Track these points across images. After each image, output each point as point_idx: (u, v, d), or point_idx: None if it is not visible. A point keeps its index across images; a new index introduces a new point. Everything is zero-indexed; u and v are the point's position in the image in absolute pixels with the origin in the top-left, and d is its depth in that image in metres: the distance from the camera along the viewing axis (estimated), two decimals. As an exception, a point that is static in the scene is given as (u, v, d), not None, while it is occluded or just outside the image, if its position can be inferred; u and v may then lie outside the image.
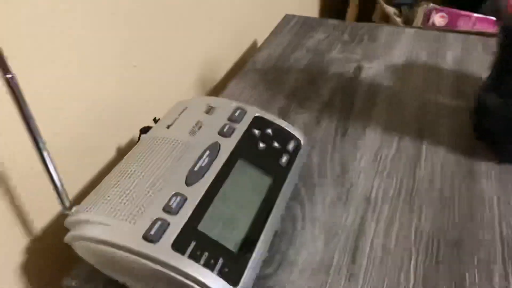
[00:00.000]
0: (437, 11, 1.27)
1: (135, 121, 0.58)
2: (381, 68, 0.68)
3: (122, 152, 0.57)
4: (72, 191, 0.50)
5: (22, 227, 0.44)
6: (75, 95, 0.48)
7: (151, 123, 0.49)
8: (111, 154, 0.55)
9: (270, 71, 0.69)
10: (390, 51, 0.72)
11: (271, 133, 0.47)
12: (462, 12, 1.25)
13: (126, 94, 0.56)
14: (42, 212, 0.47)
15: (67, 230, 0.49)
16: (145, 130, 0.50)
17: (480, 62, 0.68)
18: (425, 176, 0.49)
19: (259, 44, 0.94)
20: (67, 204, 0.38)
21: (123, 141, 0.57)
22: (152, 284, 0.35)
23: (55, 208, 0.48)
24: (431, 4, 1.29)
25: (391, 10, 1.43)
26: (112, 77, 0.53)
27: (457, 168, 0.49)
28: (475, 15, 1.24)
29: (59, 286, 0.50)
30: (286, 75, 0.68)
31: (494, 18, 1.21)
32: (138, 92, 0.59)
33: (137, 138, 0.53)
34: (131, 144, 0.59)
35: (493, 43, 0.71)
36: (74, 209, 0.38)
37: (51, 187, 0.45)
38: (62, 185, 0.38)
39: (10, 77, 0.31)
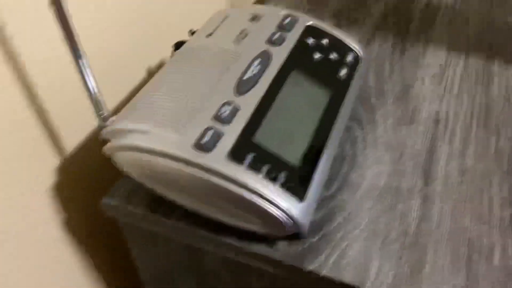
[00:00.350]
0: None
1: (165, 40, 0.53)
2: (437, -14, 0.61)
3: (152, 74, 0.52)
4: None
5: (52, 145, 0.40)
6: (98, 4, 0.42)
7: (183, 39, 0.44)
8: (140, 75, 0.50)
9: (311, -9, 0.62)
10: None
11: (327, 44, 0.41)
12: None
13: (154, 7, 0.50)
14: (73, 130, 0.43)
15: (100, 147, 0.45)
16: (179, 45, 0.45)
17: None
18: (499, 95, 0.43)
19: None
20: (104, 114, 0.34)
21: (153, 61, 0.52)
22: (204, 199, 0.31)
23: (87, 126, 0.44)
24: None
25: None
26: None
27: (537, 86, 0.43)
28: None
29: (93, 208, 0.47)
30: (330, -5, 0.61)
31: None
32: (169, 4, 0.52)
33: (170, 56, 0.48)
34: (162, 65, 0.53)
35: None
36: (111, 119, 0.34)
37: (82, 102, 0.41)
38: (99, 92, 0.33)
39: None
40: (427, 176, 0.36)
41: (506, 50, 0.48)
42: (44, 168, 0.40)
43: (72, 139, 0.43)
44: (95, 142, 0.45)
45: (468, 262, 0.30)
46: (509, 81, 0.44)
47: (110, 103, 0.46)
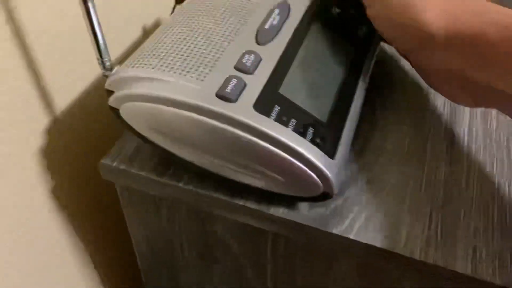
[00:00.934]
0: None
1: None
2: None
3: (148, 31, 0.48)
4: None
5: (41, 101, 0.36)
6: None
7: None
8: (136, 33, 0.46)
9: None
10: None
11: (346, -1, 0.38)
12: None
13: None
14: (64, 87, 0.38)
15: (99, 105, 0.42)
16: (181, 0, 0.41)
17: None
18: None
19: None
20: (108, 62, 0.30)
21: (149, 19, 0.48)
22: (224, 155, 0.28)
23: (81, 82, 0.40)
24: None
25: None
26: None
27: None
28: None
29: (90, 174, 0.43)
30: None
31: None
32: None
33: (170, 13, 0.44)
34: (159, 23, 0.49)
35: None
36: (116, 68, 0.30)
37: (75, 55, 0.37)
38: (103, 36, 0.29)
39: None
40: (452, 139, 0.34)
41: None
42: (33, 127, 0.36)
43: (63, 96, 0.39)
44: (89, 101, 0.41)
45: (501, 224, 0.29)
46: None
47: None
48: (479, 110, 0.37)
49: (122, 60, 0.44)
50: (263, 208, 0.30)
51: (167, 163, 0.32)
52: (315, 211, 0.30)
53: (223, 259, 0.37)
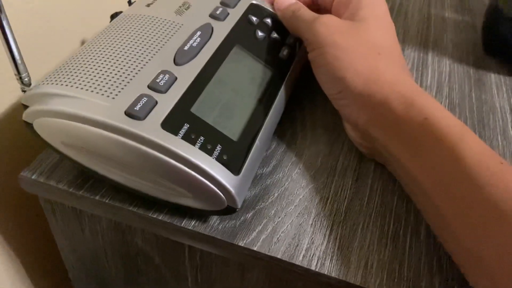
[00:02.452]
0: None
1: (101, 10, 0.50)
2: (379, -19, 0.62)
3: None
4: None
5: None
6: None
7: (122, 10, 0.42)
8: (72, 45, 0.47)
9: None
10: (387, -35, 0.67)
11: (269, 23, 0.40)
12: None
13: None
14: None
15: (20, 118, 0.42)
16: (117, 15, 0.43)
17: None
18: (432, 83, 0.45)
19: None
20: (26, 78, 0.31)
21: (88, 32, 0.49)
22: (134, 171, 0.29)
23: (8, 95, 0.41)
24: None
25: None
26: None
27: (465, 79, 0.46)
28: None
29: (14, 187, 0.44)
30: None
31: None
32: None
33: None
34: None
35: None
36: (34, 83, 0.31)
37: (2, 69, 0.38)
38: (19, 52, 0.30)
39: None
40: (361, 157, 0.37)
41: (441, 44, 0.51)
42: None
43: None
44: (17, 113, 0.42)
45: (394, 237, 0.31)
46: (440, 73, 0.46)
47: (37, 72, 0.43)
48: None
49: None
50: (176, 221, 0.31)
51: (86, 176, 0.33)
52: (225, 224, 0.31)
53: (146, 270, 0.38)
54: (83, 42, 0.48)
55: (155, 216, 0.31)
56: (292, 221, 0.32)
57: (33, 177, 0.33)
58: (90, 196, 0.32)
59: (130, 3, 0.42)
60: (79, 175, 0.33)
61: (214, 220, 0.31)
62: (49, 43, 0.43)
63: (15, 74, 0.30)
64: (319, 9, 0.41)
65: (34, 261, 0.49)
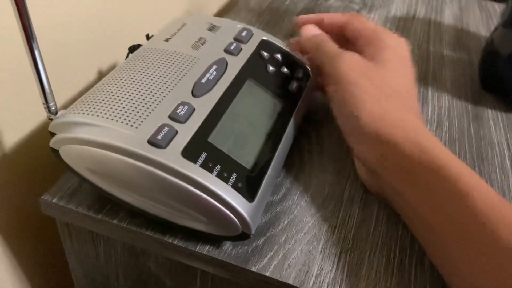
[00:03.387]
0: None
1: (119, 43, 0.52)
2: (380, 18, 0.66)
3: (103, 76, 0.51)
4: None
5: (-9, 139, 0.38)
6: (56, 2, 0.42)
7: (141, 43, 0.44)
8: (91, 75, 0.49)
9: (265, 12, 0.65)
10: (388, 3, 0.70)
11: (279, 58, 0.43)
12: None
13: (111, 8, 0.50)
14: (16, 126, 0.41)
15: (42, 144, 0.44)
16: (134, 48, 0.45)
17: (478, 21, 0.67)
18: (432, 118, 0.47)
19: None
20: (53, 107, 0.33)
21: (105, 62, 0.51)
22: (153, 196, 0.31)
23: (28, 123, 0.42)
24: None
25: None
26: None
27: (464, 114, 0.48)
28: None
29: (32, 210, 0.45)
30: (283, 17, 0.64)
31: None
32: (125, 8, 0.52)
33: (125, 58, 0.48)
34: (114, 67, 0.53)
35: (489, 4, 0.71)
36: (60, 112, 0.33)
37: (27, 96, 0.40)
38: (49, 83, 0.32)
39: None
40: (366, 187, 0.38)
41: (440, 80, 0.53)
42: (-21, 161, 0.38)
43: (14, 135, 0.41)
44: (38, 139, 0.44)
45: (400, 266, 0.32)
46: (440, 108, 0.49)
47: (58, 100, 0.45)
48: (394, 161, 0.41)
49: (71, 102, 0.47)
50: (190, 245, 0.33)
51: (104, 201, 0.35)
52: (238, 249, 0.33)
53: (157, 293, 0.39)
54: (100, 72, 0.50)
55: (170, 241, 0.33)
56: (301, 248, 0.33)
57: (53, 200, 0.34)
58: (108, 220, 0.34)
59: (148, 37, 0.45)
60: (97, 200, 0.35)
61: (227, 245, 0.33)
62: (68, 73, 0.46)
63: (43, 103, 0.32)
64: (344, 41, 0.42)
65: (45, 281, 0.50)
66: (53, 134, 0.32)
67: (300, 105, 0.41)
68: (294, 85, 0.41)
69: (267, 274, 0.31)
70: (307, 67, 0.44)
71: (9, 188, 0.42)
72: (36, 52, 0.31)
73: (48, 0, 0.40)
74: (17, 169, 0.42)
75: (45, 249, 0.49)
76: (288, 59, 0.43)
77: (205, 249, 0.32)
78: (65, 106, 0.46)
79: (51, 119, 0.33)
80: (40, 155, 0.45)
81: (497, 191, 0.39)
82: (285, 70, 0.42)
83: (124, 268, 0.38)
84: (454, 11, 0.70)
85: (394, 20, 0.66)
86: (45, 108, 0.33)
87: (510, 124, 0.47)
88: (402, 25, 0.64)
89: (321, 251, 0.33)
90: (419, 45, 0.60)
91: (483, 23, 0.67)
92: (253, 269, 0.31)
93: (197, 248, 0.32)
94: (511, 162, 0.42)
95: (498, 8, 0.72)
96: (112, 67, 0.52)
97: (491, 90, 0.51)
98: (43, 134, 0.44)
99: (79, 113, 0.31)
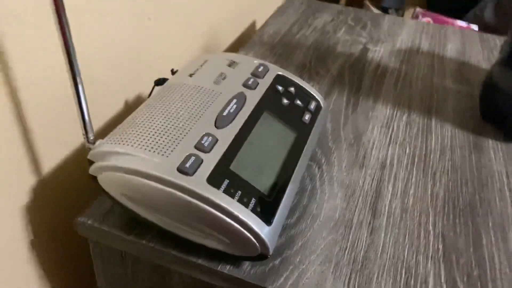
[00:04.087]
0: (423, 15, 1.31)
1: (144, 76, 0.57)
2: (386, 52, 0.70)
3: (129, 106, 0.55)
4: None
5: (32, 165, 0.42)
6: (91, 39, 0.46)
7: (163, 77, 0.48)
8: (119, 106, 0.53)
9: (278, 45, 0.69)
10: (393, 37, 0.74)
11: (293, 91, 0.47)
12: (446, 19, 1.30)
13: (138, 46, 0.54)
14: (52, 153, 0.44)
15: (81, 170, 0.47)
16: (160, 82, 0.49)
17: (480, 54, 0.71)
18: (435, 147, 0.50)
19: (258, 25, 0.94)
20: (91, 137, 0.36)
21: (132, 94, 0.55)
22: (181, 219, 0.34)
23: (67, 149, 0.46)
24: (418, 8, 1.33)
25: (377, 12, 1.47)
26: (126, 26, 0.51)
27: (466, 144, 0.51)
28: (458, 22, 1.29)
29: (64, 230, 0.48)
30: (295, 50, 0.68)
31: (476, 27, 1.27)
32: (150, 46, 0.57)
33: (149, 93, 0.52)
34: (139, 99, 0.57)
35: (490, 39, 0.75)
36: (98, 142, 0.36)
37: (63, 126, 0.44)
38: (89, 116, 0.36)
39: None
40: (374, 212, 0.41)
41: (443, 111, 0.57)
42: (21, 186, 0.42)
43: (51, 161, 0.44)
44: (72, 165, 0.47)
45: (405, 286, 0.35)
46: (443, 137, 0.52)
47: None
48: (399, 189, 0.44)
49: (103, 130, 0.51)
50: (212, 265, 0.36)
51: (134, 223, 0.38)
52: (256, 269, 0.36)
53: (178, 311, 0.42)
54: (126, 104, 0.54)
55: (194, 260, 0.36)
56: (315, 269, 0.36)
57: (88, 222, 0.38)
58: (137, 240, 0.37)
59: (173, 71, 0.49)
60: (128, 222, 0.38)
61: (246, 265, 0.36)
62: (99, 104, 0.50)
63: (83, 134, 0.36)
64: None
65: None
66: (91, 162, 0.35)
67: (312, 135, 0.44)
68: (306, 116, 0.45)
69: (283, 292, 0.34)
70: (318, 98, 0.48)
71: (43, 210, 0.45)
72: (80, 87, 0.35)
73: (82, 42, 0.45)
74: (51, 192, 0.46)
75: (76, 267, 0.52)
76: (301, 92, 0.47)
77: (226, 268, 0.35)
78: (97, 135, 0.50)
79: (90, 148, 0.36)
80: (72, 180, 0.48)
81: (496, 218, 0.42)
82: (298, 102, 0.46)
83: (150, 286, 0.41)
84: (457, 45, 0.73)
85: (400, 53, 0.70)
86: (84, 138, 0.36)
87: (509, 154, 0.50)
88: (407, 59, 0.68)
89: (332, 272, 0.36)
90: (423, 78, 0.64)
91: (484, 56, 0.70)
92: (270, 287, 0.34)
93: (219, 267, 0.35)
94: (509, 191, 0.45)
95: (499, 41, 0.75)
96: (138, 99, 0.56)
97: (491, 121, 0.54)
98: (77, 161, 0.48)
99: (115, 143, 0.35)
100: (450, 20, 1.30)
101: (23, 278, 0.44)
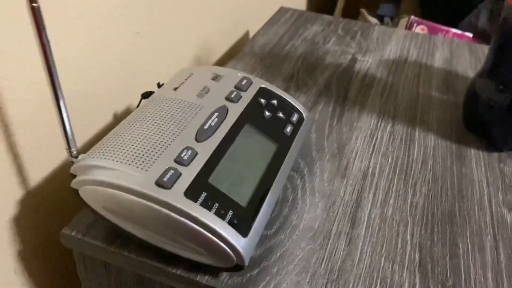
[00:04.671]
0: (418, 23, 1.32)
1: (133, 89, 0.58)
2: (374, 62, 0.71)
3: (118, 118, 0.56)
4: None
5: (19, 177, 0.43)
6: (77, 53, 0.47)
7: (151, 90, 0.49)
8: (107, 118, 0.55)
9: (267, 56, 0.70)
10: (382, 47, 0.75)
11: (276, 104, 0.48)
12: (441, 27, 1.31)
13: (127, 59, 0.56)
14: (39, 165, 0.46)
15: (63, 182, 0.49)
16: (147, 95, 0.50)
17: (467, 64, 0.72)
18: (418, 157, 0.51)
19: (251, 35, 0.95)
20: (74, 151, 0.38)
21: (120, 107, 0.57)
22: (159, 231, 0.35)
23: (53, 162, 0.47)
24: (412, 17, 1.34)
25: (373, 20, 1.48)
26: (115, 40, 0.53)
27: (448, 153, 0.52)
28: (453, 30, 1.30)
29: (51, 241, 0.49)
30: (284, 61, 0.69)
31: (470, 35, 1.27)
32: (139, 59, 0.58)
33: (136, 105, 0.53)
34: (128, 111, 0.58)
35: (478, 48, 0.75)
36: (81, 156, 0.38)
37: (50, 140, 0.45)
38: (72, 131, 0.37)
39: (36, 7, 0.31)
40: (354, 222, 0.42)
41: (427, 121, 0.57)
42: (9, 198, 0.43)
43: (38, 173, 0.46)
44: (58, 177, 0.49)
45: (381, 296, 0.36)
46: (426, 147, 0.53)
47: (78, 142, 0.50)
48: (379, 199, 0.45)
49: (91, 143, 0.52)
50: (191, 275, 0.36)
51: (116, 234, 0.39)
52: (234, 279, 0.36)
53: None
54: (115, 116, 0.56)
55: (174, 271, 0.37)
56: (291, 279, 0.37)
57: (72, 233, 0.39)
58: (119, 252, 0.38)
59: (159, 85, 0.50)
60: (110, 234, 0.39)
61: (224, 276, 0.37)
62: (87, 117, 0.51)
63: (66, 148, 0.37)
64: None
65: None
66: (74, 176, 0.37)
67: (293, 146, 0.45)
68: (288, 128, 0.46)
69: (260, 302, 0.35)
70: (301, 110, 0.49)
71: (30, 221, 0.46)
72: (61, 103, 0.36)
73: (71, 55, 0.46)
74: (38, 204, 0.47)
75: (62, 277, 0.53)
76: (283, 104, 0.48)
77: (205, 279, 0.36)
78: (85, 147, 0.51)
79: (73, 162, 0.37)
80: (59, 192, 0.49)
81: (474, 227, 0.43)
82: (281, 114, 0.47)
83: (132, 295, 0.42)
84: (445, 54, 0.74)
85: (387, 64, 0.71)
86: (67, 152, 0.37)
87: (491, 163, 0.51)
88: (394, 69, 0.69)
89: (309, 282, 0.37)
90: (409, 88, 0.65)
91: (471, 66, 0.71)
92: (247, 297, 0.35)
93: (197, 278, 0.36)
94: (488, 199, 0.46)
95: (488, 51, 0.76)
96: (126, 111, 0.58)
97: (474, 131, 0.55)
98: (63, 173, 0.49)
99: (96, 157, 0.36)
100: (444, 28, 1.31)
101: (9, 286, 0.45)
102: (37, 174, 0.46)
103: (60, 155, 0.48)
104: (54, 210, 0.49)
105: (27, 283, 0.47)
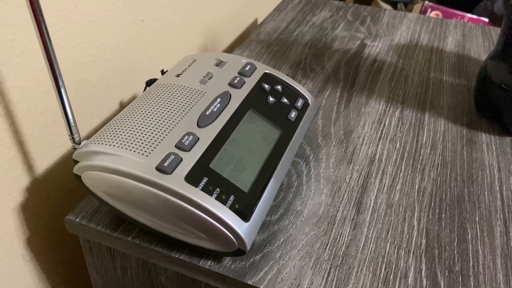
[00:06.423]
0: (433, 8, 1.29)
1: (138, 77, 0.58)
2: (384, 47, 0.69)
3: (124, 107, 0.56)
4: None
5: (25, 165, 0.44)
6: (82, 41, 0.47)
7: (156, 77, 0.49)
8: (113, 107, 0.55)
9: (274, 43, 0.70)
10: (393, 32, 0.74)
11: (280, 89, 0.47)
12: (456, 12, 1.28)
13: (130, 47, 0.56)
14: (45, 153, 0.46)
15: (68, 170, 0.49)
16: (151, 82, 0.50)
17: (480, 47, 0.70)
18: (427, 142, 0.50)
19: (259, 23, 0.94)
20: (77, 138, 0.38)
21: (126, 95, 0.57)
22: (162, 216, 0.35)
23: (58, 150, 0.48)
24: (427, 2, 1.31)
25: (386, 6, 1.45)
26: (119, 26, 0.53)
27: (458, 137, 0.51)
28: (468, 15, 1.27)
29: (58, 228, 0.50)
30: (291, 48, 0.69)
31: (486, 19, 1.24)
32: (143, 47, 0.58)
33: (142, 91, 0.53)
34: (133, 100, 0.58)
35: (492, 31, 0.73)
36: (83, 142, 0.38)
37: (55, 128, 0.45)
38: (73, 118, 0.37)
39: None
40: (359, 207, 0.42)
41: (438, 106, 0.56)
42: (16, 186, 0.43)
43: (43, 161, 0.46)
44: (64, 165, 0.49)
45: (385, 281, 0.35)
46: (435, 132, 0.51)
47: (83, 130, 0.51)
48: (386, 185, 0.44)
49: (97, 130, 0.52)
50: (194, 260, 0.36)
51: (120, 220, 0.39)
52: (236, 264, 0.36)
53: (167, 305, 0.43)
54: (121, 104, 0.56)
55: (177, 256, 0.37)
56: (294, 264, 0.36)
57: (76, 220, 0.39)
58: (123, 237, 0.38)
59: (162, 72, 0.50)
60: (114, 220, 0.39)
61: (227, 260, 0.36)
62: (93, 106, 0.51)
63: (69, 135, 0.37)
64: None
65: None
66: (76, 162, 0.37)
67: (298, 132, 0.45)
68: (292, 113, 0.45)
69: (261, 287, 0.34)
70: (306, 96, 0.48)
71: (37, 209, 0.47)
72: (63, 90, 0.36)
73: (74, 43, 0.46)
74: (44, 192, 0.47)
75: (69, 263, 0.54)
76: (288, 90, 0.48)
77: (207, 264, 0.36)
78: (90, 135, 0.51)
79: (75, 149, 0.38)
80: (65, 180, 0.50)
81: (484, 212, 0.42)
82: (285, 100, 0.46)
83: (138, 280, 0.42)
84: (457, 38, 0.72)
85: (398, 48, 0.69)
86: (70, 139, 0.38)
87: (502, 147, 0.49)
88: (405, 53, 0.68)
89: (312, 267, 0.36)
90: (420, 73, 0.63)
91: (485, 49, 0.69)
92: (249, 282, 0.35)
93: (200, 263, 0.36)
94: (499, 184, 0.44)
95: (502, 33, 0.74)
96: (132, 99, 0.58)
97: (486, 114, 0.53)
98: (68, 161, 0.50)
99: (99, 143, 0.36)
100: (459, 13, 1.28)
101: (18, 274, 0.46)
102: (43, 162, 0.46)
103: (65, 143, 0.49)
104: (61, 197, 0.50)
105: (36, 269, 0.48)
